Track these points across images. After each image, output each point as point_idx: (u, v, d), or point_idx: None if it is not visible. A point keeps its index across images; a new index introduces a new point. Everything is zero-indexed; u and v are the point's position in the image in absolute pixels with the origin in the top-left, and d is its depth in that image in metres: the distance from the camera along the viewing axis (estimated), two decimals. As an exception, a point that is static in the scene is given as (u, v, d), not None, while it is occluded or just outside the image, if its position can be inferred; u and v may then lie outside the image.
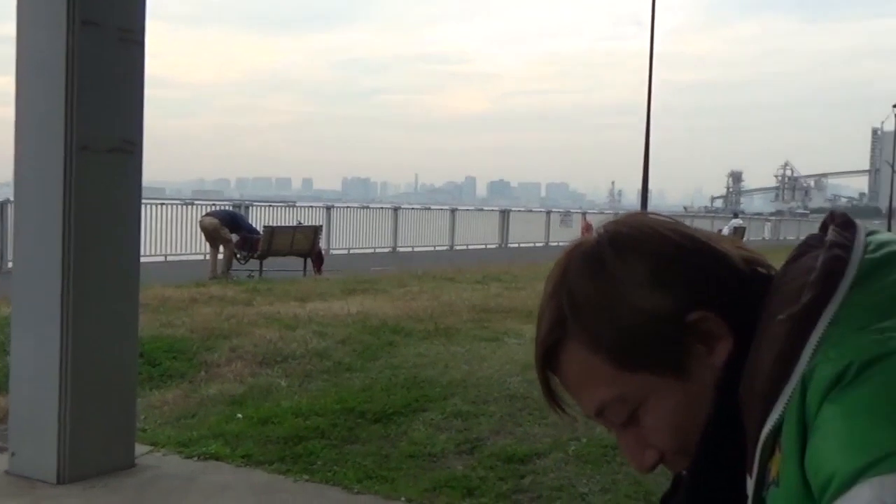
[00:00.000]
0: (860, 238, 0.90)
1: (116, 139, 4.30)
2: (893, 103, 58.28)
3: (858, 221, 0.94)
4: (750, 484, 0.86)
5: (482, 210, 31.04)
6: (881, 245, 0.90)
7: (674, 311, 0.91)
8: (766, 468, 0.84)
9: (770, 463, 0.83)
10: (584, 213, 35.95)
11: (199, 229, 16.00)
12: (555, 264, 0.99)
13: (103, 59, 4.21)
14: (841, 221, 0.93)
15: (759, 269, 0.98)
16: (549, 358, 0.96)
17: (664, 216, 1.01)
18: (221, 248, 14.69)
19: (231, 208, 17.57)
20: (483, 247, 26.93)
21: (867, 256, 0.88)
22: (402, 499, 4.14)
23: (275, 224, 17.07)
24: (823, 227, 0.95)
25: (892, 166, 64.67)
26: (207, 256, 15.50)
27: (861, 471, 0.71)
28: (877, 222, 65.65)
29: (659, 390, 0.93)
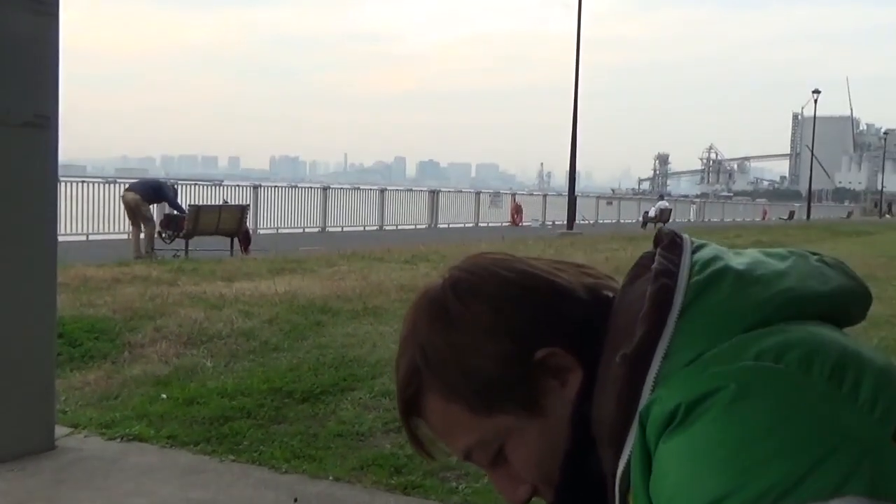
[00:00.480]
0: (685, 260, 0.91)
1: (29, 113, 4.17)
2: (813, 89, 59.78)
3: (685, 238, 0.96)
4: None
5: (412, 190, 30.98)
6: (706, 264, 0.91)
7: (519, 352, 0.93)
8: (626, 501, 0.86)
9: (628, 497, 0.86)
10: (513, 195, 36.20)
11: (121, 208, 15.65)
12: (406, 313, 1.02)
13: (14, 31, 4.07)
14: (667, 243, 0.95)
15: (605, 292, 1.01)
16: (410, 407, 1.00)
17: (502, 255, 1.03)
18: (143, 227, 14.40)
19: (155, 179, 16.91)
20: (413, 227, 26.94)
21: (693, 280, 0.89)
22: (330, 478, 4.12)
23: (201, 203, 16.80)
24: (656, 243, 0.98)
25: (812, 151, 66.48)
26: (131, 236, 15.20)
27: None
28: (797, 205, 67.50)
29: (518, 429, 0.95)
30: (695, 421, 0.78)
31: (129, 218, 14.79)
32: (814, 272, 0.93)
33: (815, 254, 0.98)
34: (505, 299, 0.95)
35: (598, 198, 45.64)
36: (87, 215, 18.26)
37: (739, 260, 0.93)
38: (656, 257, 0.93)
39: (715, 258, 0.92)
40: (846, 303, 0.94)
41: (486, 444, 0.97)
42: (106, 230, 18.30)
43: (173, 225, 14.73)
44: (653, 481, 0.80)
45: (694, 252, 0.94)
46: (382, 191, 27.89)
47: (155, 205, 14.76)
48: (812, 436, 0.76)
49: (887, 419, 0.79)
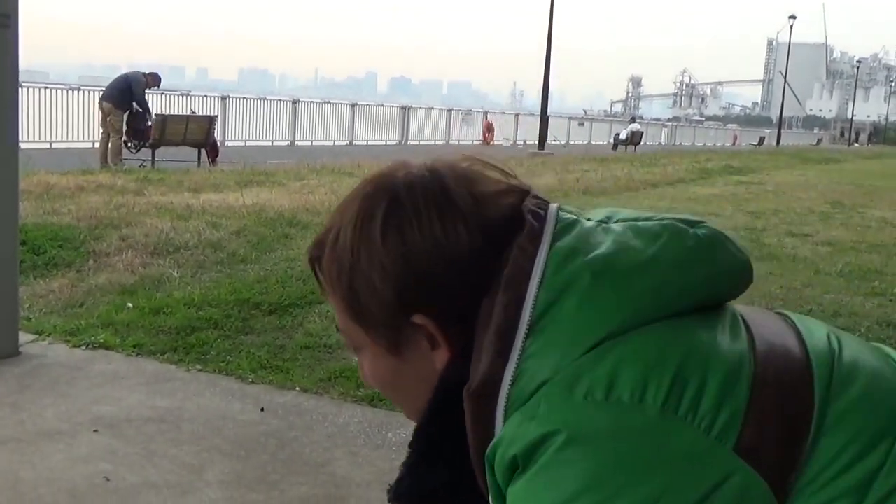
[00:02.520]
0: (540, 259, 0.86)
1: (-9, 10, 4.01)
2: (789, 14, 59.43)
3: (549, 218, 0.90)
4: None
5: (383, 106, 30.60)
6: (563, 262, 0.86)
7: (399, 307, 0.92)
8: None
9: None
10: (485, 113, 35.93)
11: (85, 116, 15.25)
12: (358, 185, 0.99)
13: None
14: (528, 231, 0.89)
15: (514, 245, 0.90)
16: (313, 261, 0.99)
17: (462, 177, 0.95)
18: (111, 137, 14.14)
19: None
20: (383, 143, 26.72)
21: (545, 286, 0.84)
22: (297, 388, 4.14)
23: (168, 113, 16.48)
24: (521, 219, 0.91)
25: (785, 77, 66.41)
26: (96, 144, 14.91)
27: None
28: (767, 131, 67.70)
29: (373, 349, 0.96)
30: (531, 467, 0.79)
31: (101, 125, 14.49)
32: (685, 257, 0.87)
33: (693, 223, 0.91)
34: (413, 253, 0.91)
35: (570, 118, 45.41)
36: (51, 123, 17.86)
37: (604, 247, 0.86)
38: (513, 253, 0.87)
39: (573, 252, 0.86)
40: (719, 285, 0.90)
41: (348, 336, 0.99)
42: (70, 138, 17.92)
43: (140, 135, 14.46)
44: None
45: (556, 239, 0.88)
46: (353, 105, 27.50)
47: (127, 113, 14.28)
48: (631, 480, 0.76)
49: (728, 432, 0.78)
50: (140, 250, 6.38)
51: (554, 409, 0.79)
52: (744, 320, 0.89)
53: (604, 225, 0.91)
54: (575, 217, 0.92)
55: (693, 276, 0.87)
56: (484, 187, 0.94)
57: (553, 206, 0.93)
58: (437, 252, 0.90)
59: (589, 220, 0.93)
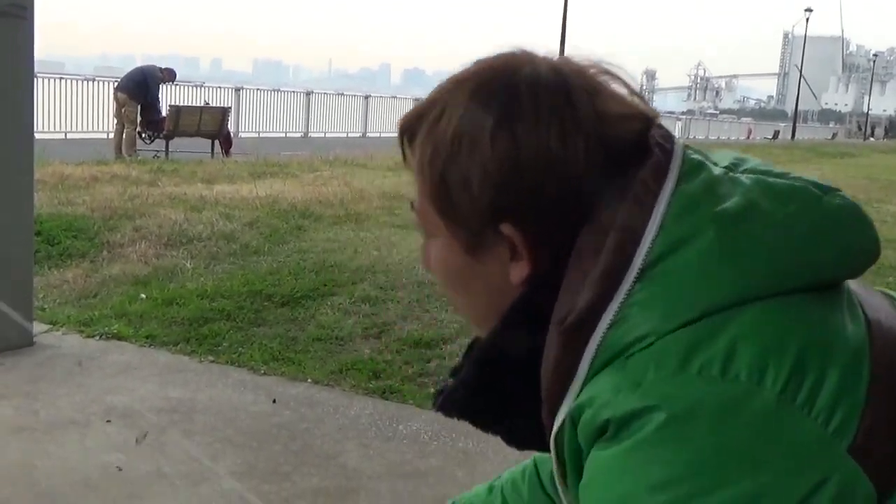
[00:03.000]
0: (663, 199, 0.78)
1: (5, 2, 4.03)
2: (805, 7, 59.06)
3: (675, 155, 0.82)
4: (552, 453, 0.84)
5: (396, 98, 30.57)
6: (687, 208, 0.78)
7: (492, 213, 0.85)
8: (561, 460, 0.82)
9: (564, 460, 0.82)
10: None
11: (101, 107, 15.29)
12: (475, 65, 0.89)
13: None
14: (653, 164, 0.81)
15: (632, 178, 0.82)
16: (405, 133, 0.92)
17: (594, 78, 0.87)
18: (125, 128, 14.19)
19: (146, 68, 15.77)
20: (397, 135, 26.68)
21: (665, 232, 0.77)
22: (309, 380, 4.15)
23: (182, 104, 16.52)
24: (645, 149, 0.83)
25: (801, 70, 66.05)
26: (111, 135, 14.96)
27: None
28: (782, 125, 67.33)
29: (447, 242, 0.90)
30: (625, 439, 0.72)
31: (116, 116, 14.54)
32: (817, 228, 0.79)
33: (826, 189, 0.83)
34: (522, 160, 0.82)
35: (584, 111, 45.31)
36: (66, 113, 17.93)
37: (732, 202, 0.78)
38: (634, 187, 0.80)
39: (699, 199, 0.78)
40: (848, 264, 0.82)
41: (422, 220, 0.92)
42: (85, 129, 17.99)
43: (154, 126, 14.50)
44: (584, 485, 0.77)
45: (681, 180, 0.80)
46: (367, 97, 27.49)
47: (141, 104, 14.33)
48: (735, 471, 0.70)
49: (845, 429, 0.72)
50: (154, 241, 6.41)
51: (664, 380, 0.72)
52: (860, 302, 0.81)
53: (731, 174, 0.83)
54: (701, 159, 0.84)
55: (824, 251, 0.79)
56: (610, 105, 0.85)
57: (679, 142, 0.85)
58: (549, 165, 0.82)
59: (715, 164, 0.85)
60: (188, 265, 5.98)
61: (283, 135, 22.94)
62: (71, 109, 18.06)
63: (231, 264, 6.11)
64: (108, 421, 3.53)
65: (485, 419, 0.92)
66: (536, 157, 0.82)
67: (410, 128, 0.91)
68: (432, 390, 4.14)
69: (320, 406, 3.84)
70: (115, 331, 4.62)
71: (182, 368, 4.23)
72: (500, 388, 0.88)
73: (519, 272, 0.86)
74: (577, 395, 0.77)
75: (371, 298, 5.44)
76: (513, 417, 0.89)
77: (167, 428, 3.51)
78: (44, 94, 16.42)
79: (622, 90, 0.87)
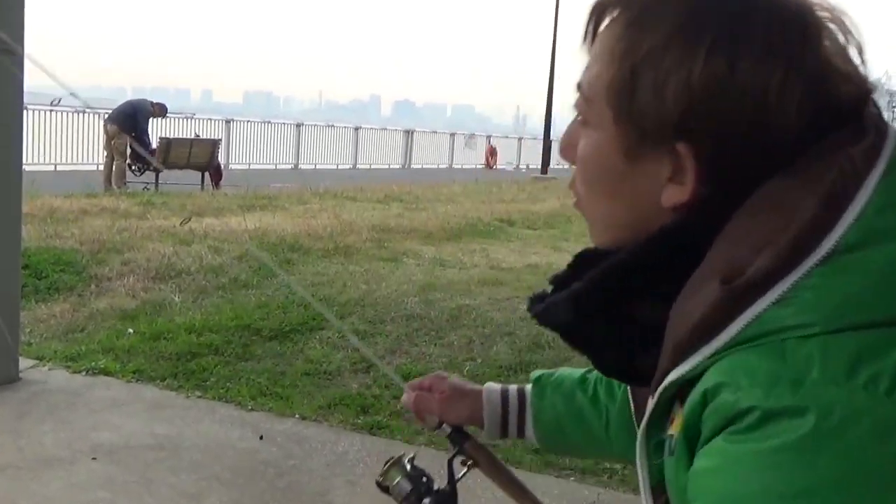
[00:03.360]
0: (869, 185, 0.71)
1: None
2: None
3: (892, 132, 0.75)
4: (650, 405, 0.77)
5: (386, 129, 30.68)
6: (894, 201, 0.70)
7: (675, 128, 0.76)
8: (667, 416, 0.76)
9: (673, 413, 0.75)
10: (488, 137, 36.01)
11: (91, 139, 15.27)
12: None
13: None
14: (870, 144, 0.73)
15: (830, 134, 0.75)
16: (598, 10, 0.83)
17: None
18: (115, 160, 14.19)
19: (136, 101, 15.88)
20: (387, 167, 26.76)
21: (861, 224, 0.69)
22: (296, 416, 4.13)
23: (172, 136, 16.54)
24: (855, 111, 0.76)
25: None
26: (101, 167, 14.95)
27: None
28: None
29: (606, 137, 0.81)
30: (772, 437, 0.65)
31: (106, 148, 14.55)
32: None
33: None
34: (732, 86, 0.74)
35: (573, 143, 45.51)
36: (56, 145, 17.92)
37: None
38: (840, 161, 0.72)
39: None
40: None
41: (587, 104, 0.82)
42: (75, 161, 17.97)
43: (143, 157, 14.49)
44: (707, 469, 0.69)
45: (891, 169, 0.71)
46: (357, 129, 27.57)
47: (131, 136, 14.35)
48: (891, 492, 0.64)
49: None
50: (142, 275, 6.39)
51: (828, 385, 0.65)
52: None
53: None
54: None
55: None
56: (836, 60, 0.76)
57: (894, 128, 0.76)
58: (758, 104, 0.74)
59: None
60: (176, 299, 5.97)
61: (273, 167, 22.95)
62: (61, 141, 18.05)
63: (220, 298, 6.09)
64: (94, 458, 3.51)
65: (580, 338, 0.85)
66: (748, 92, 0.74)
67: (609, 7, 0.82)
68: (420, 426, 4.13)
69: (308, 442, 3.82)
70: (101, 366, 4.59)
71: (169, 404, 4.20)
72: (610, 311, 0.82)
73: (674, 196, 0.78)
74: (711, 357, 0.70)
75: (359, 333, 5.43)
76: (610, 345, 0.83)
77: (153, 465, 3.48)
78: (33, 126, 16.42)
79: (851, 47, 0.78)
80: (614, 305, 0.81)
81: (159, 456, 3.57)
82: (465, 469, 1.18)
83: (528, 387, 1.26)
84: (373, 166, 26.25)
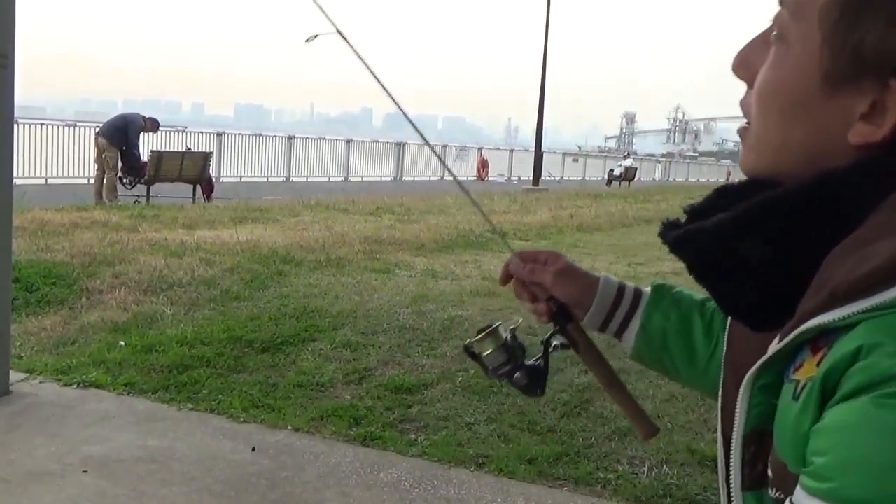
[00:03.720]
0: None
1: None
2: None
3: None
4: (774, 346, 0.73)
5: (378, 142, 30.70)
6: None
7: (890, 59, 0.73)
8: (791, 360, 0.72)
9: (801, 360, 0.71)
10: (480, 149, 36.07)
11: (82, 151, 15.23)
12: None
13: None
14: None
15: None
16: None
17: None
18: (106, 173, 14.16)
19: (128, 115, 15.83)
20: (378, 179, 26.79)
21: None
22: (289, 428, 4.12)
23: (163, 149, 16.52)
24: None
25: (777, 113, 66.94)
26: (92, 180, 14.92)
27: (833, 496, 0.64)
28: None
29: (805, 57, 0.77)
30: None
31: (96, 162, 14.52)
32: None
33: None
34: None
35: (564, 154, 45.61)
36: (46, 158, 17.89)
37: None
38: None
39: None
40: None
41: (791, 19, 0.78)
42: (66, 174, 17.95)
43: (135, 171, 14.47)
44: (832, 426, 0.66)
45: None
46: (348, 142, 27.59)
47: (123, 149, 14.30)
48: None
49: None
50: (133, 287, 6.38)
51: None
52: None
53: None
54: None
55: None
56: None
57: None
58: None
59: None
60: (168, 311, 5.95)
61: (264, 179, 22.96)
62: (52, 154, 18.02)
63: (211, 310, 6.08)
64: (85, 471, 3.49)
65: (711, 271, 0.81)
66: None
67: None
68: (413, 437, 4.12)
69: (300, 454, 3.81)
70: (93, 379, 4.57)
71: (161, 417, 4.18)
72: (755, 246, 0.77)
73: (866, 133, 0.75)
74: (869, 312, 0.66)
75: (352, 344, 5.42)
76: (742, 282, 0.79)
77: (145, 478, 3.47)
78: (24, 140, 16.39)
79: None
80: (761, 239, 0.77)
81: (151, 469, 3.55)
82: (556, 348, 1.17)
83: (647, 290, 1.21)
84: (364, 178, 26.27)
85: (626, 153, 50.42)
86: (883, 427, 0.62)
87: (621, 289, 1.21)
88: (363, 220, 11.35)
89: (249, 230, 9.30)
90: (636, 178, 35.55)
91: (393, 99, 1.29)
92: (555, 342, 1.18)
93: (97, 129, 15.13)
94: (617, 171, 34.40)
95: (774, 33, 0.79)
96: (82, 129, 18.35)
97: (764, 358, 0.74)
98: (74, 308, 5.93)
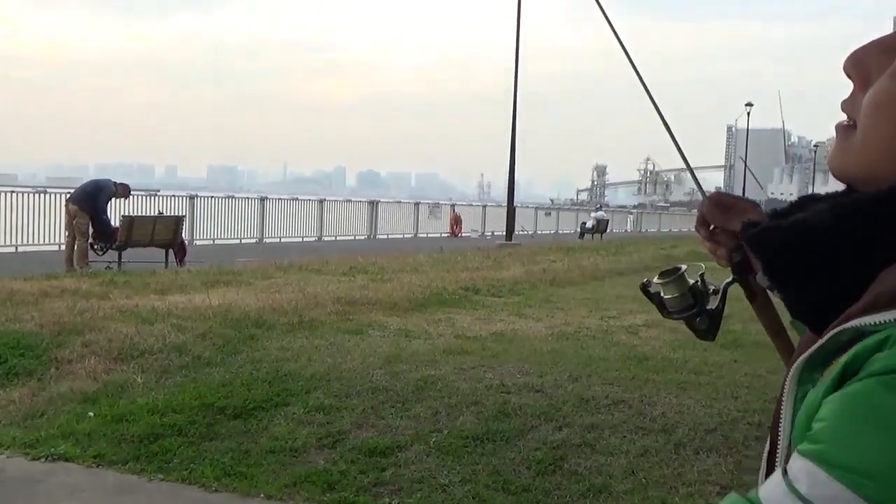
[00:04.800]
0: None
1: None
2: (746, 102, 61.13)
3: None
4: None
5: (351, 201, 30.81)
6: None
7: None
8: (833, 359, 0.72)
9: (836, 360, 0.71)
10: (452, 205, 36.26)
11: (53, 218, 15.16)
12: None
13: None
14: None
15: None
16: None
17: None
18: (77, 240, 14.09)
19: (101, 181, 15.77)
20: (352, 238, 26.82)
21: None
22: (261, 495, 4.08)
23: (135, 214, 16.49)
24: None
25: (745, 162, 67.92)
26: (63, 247, 14.84)
27: (832, 463, 0.64)
28: (730, 215, 68.43)
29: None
30: None
31: (67, 228, 14.46)
32: None
33: None
34: None
35: (536, 208, 45.97)
36: (17, 226, 17.79)
37: None
38: None
39: None
40: None
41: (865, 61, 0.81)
42: (37, 241, 17.84)
43: (106, 237, 14.42)
44: (837, 396, 0.67)
45: None
46: (321, 201, 27.65)
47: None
48: None
49: None
50: (103, 356, 6.32)
51: None
52: None
53: None
54: None
55: None
56: None
57: None
58: None
59: None
60: (139, 379, 5.90)
61: (237, 241, 22.91)
62: (22, 221, 17.92)
63: (183, 377, 6.04)
64: (53, 548, 3.43)
65: (783, 270, 0.82)
66: None
67: None
68: (387, 501, 4.09)
69: (273, 522, 3.77)
70: (61, 451, 4.52)
71: (131, 489, 4.13)
72: (831, 249, 0.78)
73: None
74: None
75: (325, 407, 5.40)
76: (814, 284, 0.79)
77: (114, 553, 3.41)
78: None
79: None
80: (838, 243, 0.77)
81: (120, 543, 3.50)
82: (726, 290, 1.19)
83: None
84: (338, 238, 26.30)
85: (597, 205, 50.91)
86: (883, 408, 0.64)
87: None
88: (336, 280, 11.34)
89: (222, 294, 9.27)
90: (608, 230, 35.83)
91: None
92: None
93: (68, 196, 15.10)
94: (589, 224, 34.67)
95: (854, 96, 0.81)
96: (53, 196, 18.30)
97: (805, 354, 0.74)
98: (43, 379, 5.87)
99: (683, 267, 1.18)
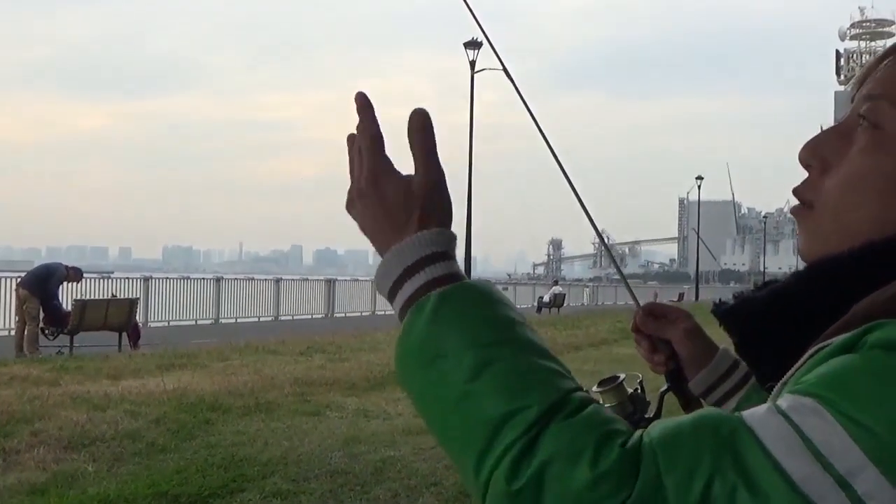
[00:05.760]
0: None
1: None
2: (696, 175, 62.38)
3: None
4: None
5: (308, 279, 30.69)
6: None
7: None
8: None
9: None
10: (410, 281, 36.19)
11: (3, 303, 14.88)
12: None
13: None
14: None
15: None
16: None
17: None
18: (27, 324, 13.84)
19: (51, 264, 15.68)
20: (309, 317, 26.62)
21: None
22: (216, 587, 3.96)
23: (88, 297, 16.25)
24: None
25: (698, 234, 69.02)
26: (12, 332, 14.56)
27: (826, 398, 0.65)
28: (686, 287, 69.51)
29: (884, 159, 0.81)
30: None
31: (17, 313, 14.20)
32: None
33: None
34: None
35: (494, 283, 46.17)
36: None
37: None
38: None
39: None
40: None
41: (887, 108, 0.83)
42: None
43: (57, 321, 14.17)
44: (827, 364, 0.68)
45: None
46: (278, 280, 27.52)
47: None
48: None
49: None
50: (53, 445, 6.16)
51: None
52: None
53: None
54: None
55: None
56: None
57: None
58: None
59: None
60: (90, 469, 5.75)
61: (193, 322, 22.64)
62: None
63: (136, 465, 5.89)
64: None
65: (757, 342, 0.84)
66: None
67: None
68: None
69: None
70: (8, 547, 4.36)
71: (80, 584, 3.99)
72: (803, 318, 0.78)
73: None
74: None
75: (282, 492, 5.29)
76: (785, 352, 0.78)
77: None
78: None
79: None
80: (814, 305, 0.78)
81: None
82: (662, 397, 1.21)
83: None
84: (295, 317, 26.09)
85: (554, 280, 51.24)
86: (886, 368, 0.65)
87: (734, 365, 1.27)
88: (293, 360, 11.23)
89: (176, 377, 9.12)
90: (565, 304, 36.02)
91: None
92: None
93: (18, 280, 14.88)
94: (546, 298, 34.86)
95: (864, 124, 0.83)
96: (3, 280, 18.00)
97: (785, 378, 0.76)
98: (-10, 471, 5.69)
99: (622, 376, 1.22)
